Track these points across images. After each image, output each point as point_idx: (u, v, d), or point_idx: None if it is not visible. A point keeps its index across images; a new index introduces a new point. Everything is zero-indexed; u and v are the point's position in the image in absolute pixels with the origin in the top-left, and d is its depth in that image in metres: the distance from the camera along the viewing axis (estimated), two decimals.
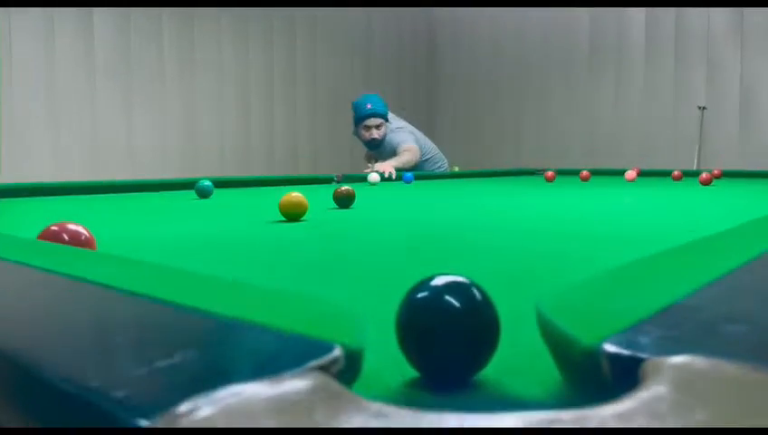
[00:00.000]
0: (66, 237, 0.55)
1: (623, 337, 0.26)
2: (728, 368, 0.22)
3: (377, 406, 0.19)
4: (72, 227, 0.56)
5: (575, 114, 5.03)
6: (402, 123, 3.34)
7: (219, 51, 4.50)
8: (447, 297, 0.31)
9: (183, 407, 0.18)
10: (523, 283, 0.61)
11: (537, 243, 0.90)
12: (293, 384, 0.19)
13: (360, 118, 3.18)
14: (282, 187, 2.54)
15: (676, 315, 0.30)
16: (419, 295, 0.32)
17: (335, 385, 0.20)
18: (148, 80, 4.18)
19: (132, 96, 4.13)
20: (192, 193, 2.04)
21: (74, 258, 0.45)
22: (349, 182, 2.78)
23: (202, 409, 0.18)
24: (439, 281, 0.32)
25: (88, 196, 2.03)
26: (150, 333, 0.26)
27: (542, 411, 0.18)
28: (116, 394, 0.19)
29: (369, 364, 0.35)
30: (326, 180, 2.78)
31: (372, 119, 3.15)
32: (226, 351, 0.23)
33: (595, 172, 3.57)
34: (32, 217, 1.28)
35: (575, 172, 3.52)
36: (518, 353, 0.36)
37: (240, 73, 4.64)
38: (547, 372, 0.33)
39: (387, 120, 3.20)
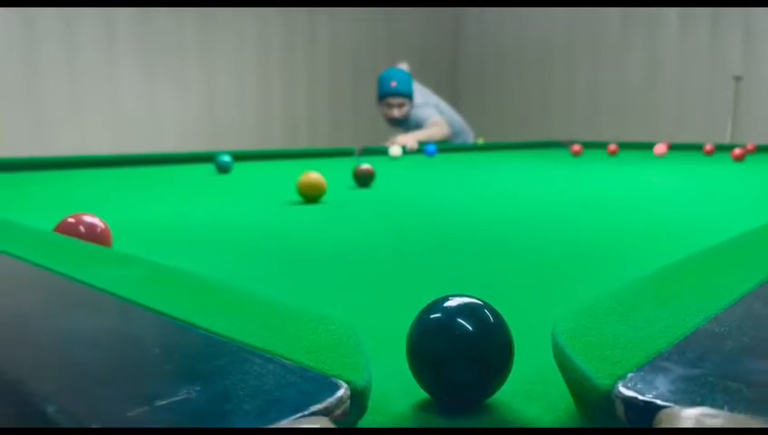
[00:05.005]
0: (83, 230, 0.56)
1: (639, 377, 0.25)
2: (750, 423, 0.21)
3: None
4: (87, 219, 0.56)
5: (604, 84, 4.90)
6: (429, 98, 3.24)
7: (239, 22, 4.46)
8: (460, 320, 0.30)
9: None
10: (542, 281, 0.60)
11: (557, 233, 0.88)
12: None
13: (381, 95, 3.07)
14: (301, 159, 2.53)
15: (698, 347, 0.28)
16: (431, 318, 0.31)
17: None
18: (168, 52, 4.17)
19: (153, 68, 4.13)
20: (212, 167, 2.04)
21: (89, 259, 0.45)
22: (369, 155, 2.76)
23: None
24: (452, 302, 0.31)
25: (110, 169, 2.05)
26: (143, 357, 0.26)
27: None
28: None
29: (376, 384, 0.34)
30: (346, 153, 2.76)
31: (394, 97, 3.03)
32: (228, 388, 0.22)
33: (624, 145, 3.49)
34: (55, 191, 1.30)
35: (603, 145, 3.45)
36: (534, 376, 0.35)
37: (260, 44, 4.60)
38: (562, 398, 0.32)
39: (411, 99, 3.07)
